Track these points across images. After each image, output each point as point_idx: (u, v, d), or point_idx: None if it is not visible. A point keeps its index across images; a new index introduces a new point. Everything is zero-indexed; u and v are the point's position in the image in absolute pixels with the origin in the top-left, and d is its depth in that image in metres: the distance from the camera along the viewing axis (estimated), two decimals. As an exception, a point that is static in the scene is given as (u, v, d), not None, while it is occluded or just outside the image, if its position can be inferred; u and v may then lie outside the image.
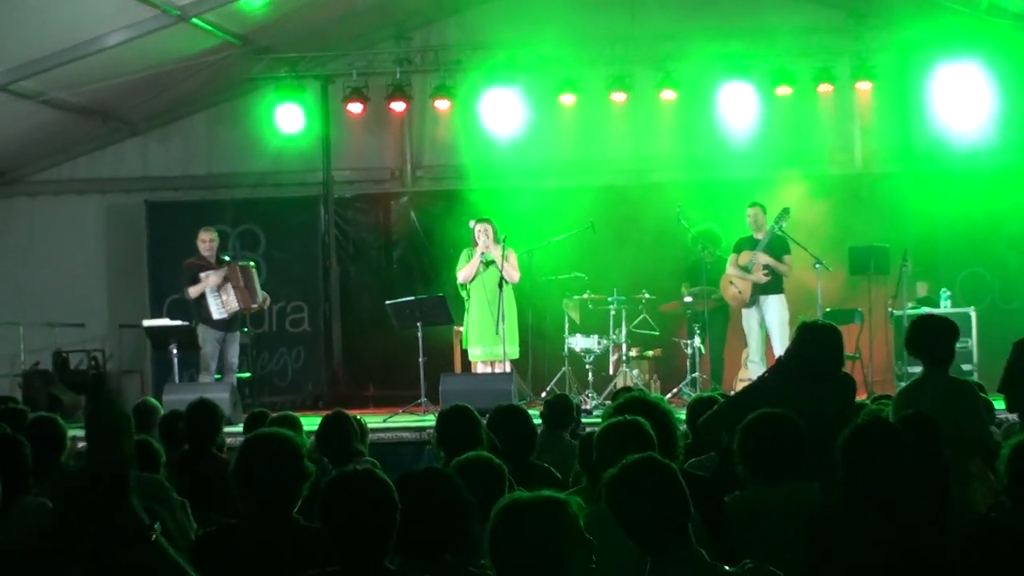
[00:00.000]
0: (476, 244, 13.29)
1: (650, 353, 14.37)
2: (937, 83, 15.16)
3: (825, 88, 15.27)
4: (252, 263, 14.09)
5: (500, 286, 12.93)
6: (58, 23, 12.79)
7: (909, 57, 15.60)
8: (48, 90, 14.39)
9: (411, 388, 13.13)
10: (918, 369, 7.13)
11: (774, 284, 13.32)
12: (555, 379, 13.68)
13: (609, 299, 13.80)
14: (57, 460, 6.26)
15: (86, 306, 16.78)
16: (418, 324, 12.94)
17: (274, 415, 8.40)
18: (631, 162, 16.43)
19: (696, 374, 13.65)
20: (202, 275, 13.15)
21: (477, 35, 15.87)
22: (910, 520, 4.75)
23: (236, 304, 13.17)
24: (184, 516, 6.16)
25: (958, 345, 7.03)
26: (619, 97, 15.54)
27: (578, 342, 13.69)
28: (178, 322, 13.71)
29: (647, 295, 14.14)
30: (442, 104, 15.81)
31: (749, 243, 13.52)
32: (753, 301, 13.39)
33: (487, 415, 6.85)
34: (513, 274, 13.23)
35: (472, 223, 13.48)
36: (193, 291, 13.19)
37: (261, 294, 13.57)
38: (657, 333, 14.26)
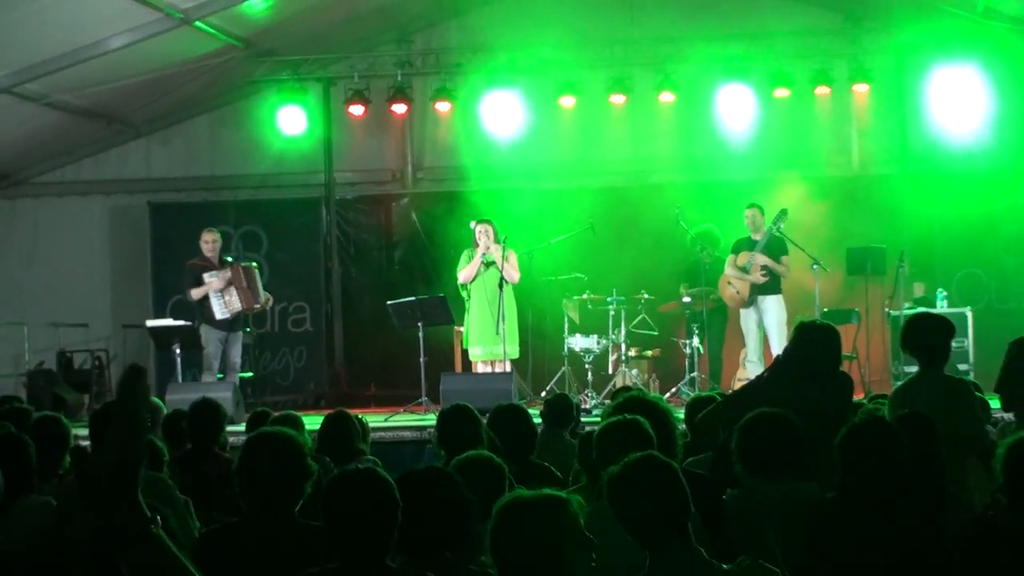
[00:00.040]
0: (477, 245, 13.31)
1: (649, 353, 14.39)
2: (933, 85, 15.21)
3: (822, 90, 15.28)
4: (254, 264, 14.12)
5: (500, 286, 12.94)
6: (62, 26, 12.78)
7: (906, 60, 15.66)
8: (52, 93, 14.39)
9: (412, 387, 13.17)
10: (915, 369, 7.12)
11: (772, 285, 13.35)
12: (555, 379, 13.71)
13: (608, 299, 13.82)
14: (61, 459, 6.24)
15: (90, 306, 16.80)
16: (419, 324, 12.97)
17: (276, 414, 8.36)
18: (630, 164, 16.45)
19: (695, 374, 13.67)
20: (205, 276, 13.18)
21: (478, 38, 15.89)
22: (907, 519, 4.76)
23: (239, 304, 13.21)
24: (187, 514, 6.16)
25: (954, 345, 7.05)
26: (618, 99, 15.58)
27: (578, 342, 13.71)
28: (181, 322, 13.71)
29: (646, 295, 14.16)
30: (443, 106, 15.85)
31: (747, 244, 13.54)
32: (751, 301, 13.41)
33: (487, 414, 6.85)
34: (513, 274, 13.25)
35: (473, 224, 13.50)
36: (195, 293, 13.22)
37: (264, 295, 13.59)
38: (656, 333, 14.28)
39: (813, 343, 6.63)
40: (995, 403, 7.36)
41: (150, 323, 14.31)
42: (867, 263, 14.48)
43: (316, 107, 16.20)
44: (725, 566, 4.11)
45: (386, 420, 12.11)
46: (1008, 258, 15.38)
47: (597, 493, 4.60)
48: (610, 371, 13.91)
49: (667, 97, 15.48)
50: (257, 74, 15.94)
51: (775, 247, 13.41)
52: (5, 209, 17.42)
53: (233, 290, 13.21)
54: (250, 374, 14.74)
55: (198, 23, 13.62)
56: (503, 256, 13.10)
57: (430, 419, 11.38)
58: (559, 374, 13.76)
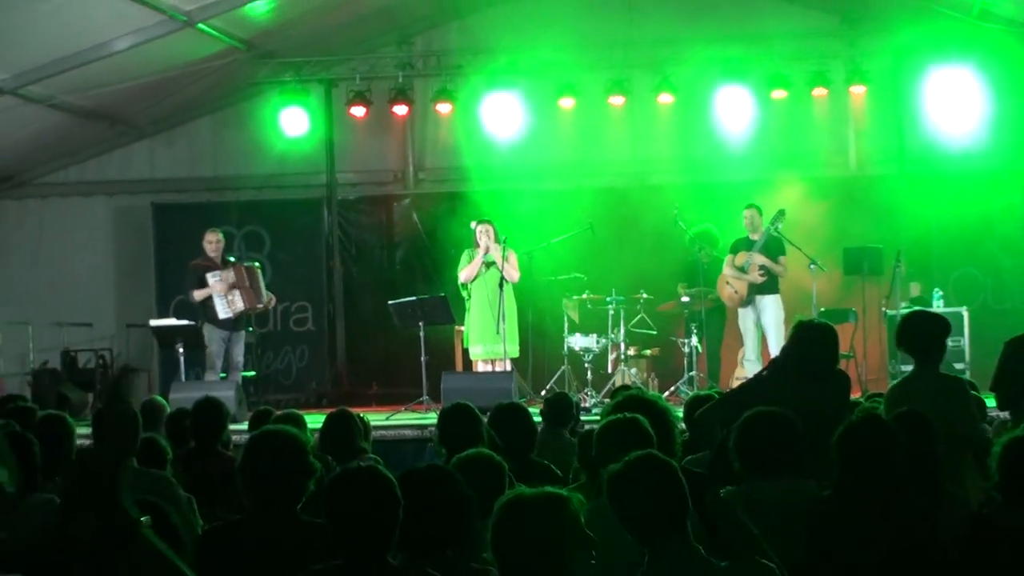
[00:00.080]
0: (477, 245, 13.36)
1: (648, 352, 14.40)
2: (930, 87, 15.22)
3: (820, 92, 15.29)
4: (257, 264, 14.18)
5: (501, 286, 12.99)
6: (66, 29, 12.77)
7: (902, 61, 15.67)
8: (57, 94, 14.39)
9: (413, 386, 13.22)
10: (911, 367, 7.09)
11: (770, 284, 13.40)
12: (555, 377, 13.77)
13: (608, 299, 13.87)
14: (66, 458, 6.28)
15: (94, 306, 16.82)
16: (420, 324, 13.01)
17: (279, 413, 8.36)
18: (629, 164, 16.47)
19: (693, 372, 13.72)
20: (208, 276, 13.24)
21: (478, 40, 15.91)
22: (904, 517, 4.77)
23: (242, 304, 13.27)
24: (190, 512, 6.21)
25: (951, 344, 6.97)
26: (618, 101, 15.59)
27: (577, 341, 13.76)
28: (184, 322, 13.76)
29: (645, 295, 14.21)
30: (444, 107, 15.86)
31: (745, 244, 13.57)
32: (749, 301, 13.45)
33: (488, 413, 6.86)
34: (513, 274, 13.29)
35: (473, 224, 13.55)
36: (197, 295, 13.29)
37: (266, 294, 13.63)
38: (655, 332, 14.32)
39: (811, 342, 6.65)
40: (991, 402, 7.36)
41: (154, 323, 14.34)
42: (864, 263, 14.55)
43: (318, 108, 16.21)
44: (722, 563, 4.12)
45: (387, 419, 12.17)
46: (1004, 258, 15.42)
47: (597, 491, 4.63)
48: (609, 370, 13.95)
49: (666, 98, 15.50)
50: (259, 76, 15.94)
51: (773, 247, 13.44)
52: (10, 209, 17.44)
53: (236, 290, 13.27)
54: (253, 373, 14.79)
55: (201, 25, 13.60)
56: (503, 256, 13.14)
57: (431, 418, 11.43)
58: (559, 373, 13.81)
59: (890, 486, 4.81)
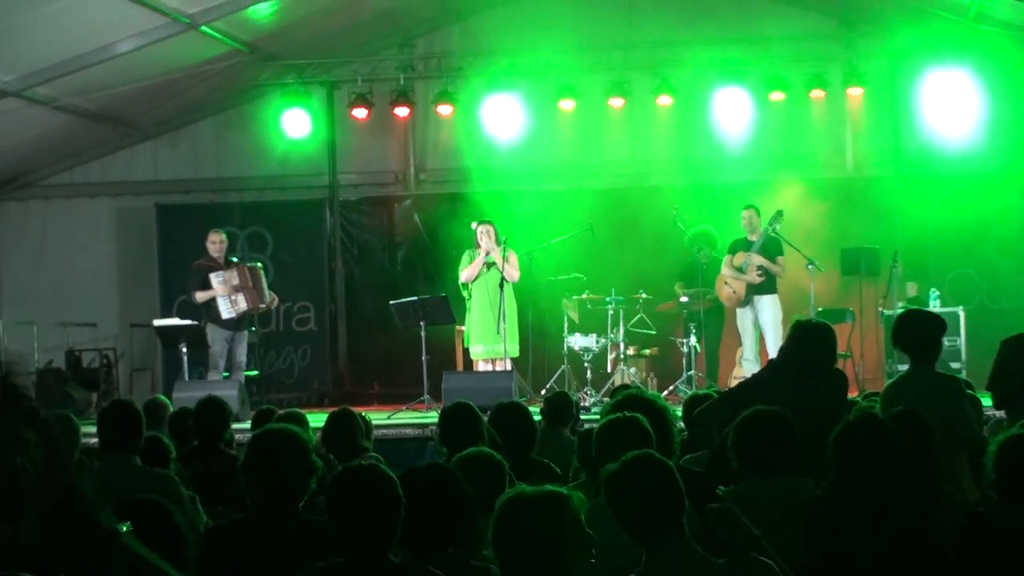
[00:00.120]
0: (478, 245, 13.40)
1: (647, 352, 14.48)
2: (927, 89, 15.23)
3: (817, 94, 15.32)
4: (260, 264, 14.20)
5: (501, 286, 13.02)
6: (70, 31, 12.80)
7: (899, 63, 15.71)
8: (61, 96, 14.44)
9: (414, 386, 13.26)
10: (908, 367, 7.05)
11: (768, 284, 13.45)
12: (555, 377, 13.83)
13: (607, 299, 13.91)
14: (70, 457, 6.34)
15: (98, 306, 16.86)
16: (421, 323, 13.05)
17: (281, 412, 8.42)
18: (629, 166, 16.50)
19: (692, 372, 13.76)
20: (211, 276, 13.29)
21: (479, 42, 15.95)
22: (901, 516, 4.77)
23: (245, 304, 13.30)
24: (193, 510, 6.22)
25: (947, 344, 6.96)
26: (617, 102, 15.62)
27: (577, 341, 13.80)
28: (188, 322, 13.82)
29: (644, 295, 14.25)
30: (445, 109, 15.88)
31: (744, 244, 13.63)
32: (747, 301, 13.51)
33: (488, 412, 6.89)
34: (513, 274, 13.32)
35: (474, 225, 13.59)
36: (200, 296, 13.33)
37: (269, 294, 13.67)
38: (654, 332, 14.36)
39: (809, 341, 6.67)
40: (987, 401, 7.36)
41: (157, 322, 14.39)
42: (861, 263, 14.59)
43: (320, 110, 16.24)
44: (719, 561, 4.11)
45: (389, 418, 12.20)
46: (1000, 259, 15.46)
47: (596, 490, 4.63)
48: (609, 369, 13.99)
49: (665, 100, 15.53)
50: (262, 78, 15.95)
51: (771, 248, 13.50)
52: (15, 211, 17.47)
53: (239, 291, 13.30)
54: (255, 372, 14.81)
55: (204, 28, 13.63)
56: (503, 256, 13.18)
57: (432, 417, 11.48)
58: (559, 372, 13.87)
59: (887, 485, 4.83)
